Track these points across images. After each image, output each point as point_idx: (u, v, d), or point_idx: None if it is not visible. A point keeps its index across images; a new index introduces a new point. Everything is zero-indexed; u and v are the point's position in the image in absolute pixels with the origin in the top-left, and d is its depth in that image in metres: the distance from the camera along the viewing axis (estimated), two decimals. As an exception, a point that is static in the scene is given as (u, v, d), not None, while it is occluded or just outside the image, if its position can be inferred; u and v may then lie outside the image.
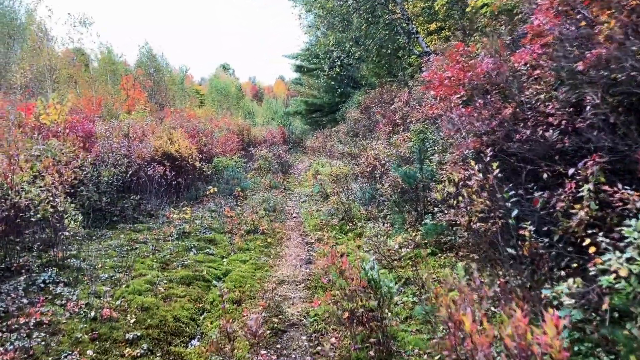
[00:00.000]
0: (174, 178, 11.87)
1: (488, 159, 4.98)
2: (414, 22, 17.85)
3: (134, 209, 10.27)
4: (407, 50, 19.99)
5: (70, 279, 6.38)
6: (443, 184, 5.22)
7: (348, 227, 9.66)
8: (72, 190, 9.25)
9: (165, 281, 6.61)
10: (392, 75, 23.61)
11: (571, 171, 4.74)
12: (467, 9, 11.71)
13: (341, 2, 19.49)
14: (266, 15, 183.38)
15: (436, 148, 9.49)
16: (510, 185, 5.34)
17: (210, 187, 11.37)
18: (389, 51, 21.10)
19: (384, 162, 11.10)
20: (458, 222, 5.63)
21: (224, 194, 13.47)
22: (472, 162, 5.17)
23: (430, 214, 8.52)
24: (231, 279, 6.91)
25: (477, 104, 6.33)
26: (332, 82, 27.76)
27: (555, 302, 4.04)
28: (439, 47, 13.26)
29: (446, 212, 7.74)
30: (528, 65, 6.89)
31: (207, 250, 8.28)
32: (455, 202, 5.18)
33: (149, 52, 36.55)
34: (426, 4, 18.45)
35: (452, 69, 7.19)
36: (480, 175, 5.04)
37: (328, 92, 36.05)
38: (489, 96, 6.49)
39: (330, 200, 11.95)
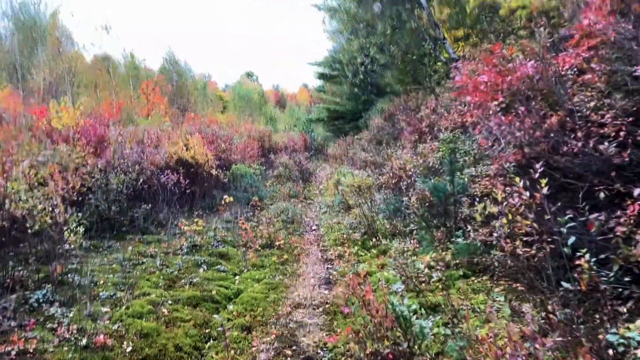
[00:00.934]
0: (188, 186, 11.35)
1: (537, 175, 4.28)
2: (441, 28, 17.16)
3: (144, 218, 9.75)
4: (433, 57, 19.36)
5: (68, 297, 5.86)
6: (484, 203, 4.53)
7: (371, 243, 9.00)
8: (79, 199, 8.81)
9: (170, 302, 6.03)
10: (417, 83, 22.94)
11: (637, 191, 4.04)
12: (501, 12, 11.02)
13: (366, 7, 18.96)
14: (269, 15, 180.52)
15: (467, 159, 8.80)
16: (559, 204, 4.66)
17: (226, 196, 10.81)
18: (414, 57, 20.51)
19: (410, 172, 10.44)
20: (499, 246, 4.92)
21: (241, 203, 12.94)
22: (517, 178, 4.49)
23: (460, 230, 7.83)
24: (242, 300, 6.29)
25: (520, 112, 5.63)
26: (356, 89, 27.23)
27: (621, 349, 3.36)
28: (469, 51, 12.54)
29: (479, 230, 7.05)
30: (575, 68, 6.18)
31: (219, 266, 7.67)
32: (497, 223, 4.49)
33: (172, 58, 36.50)
34: (453, 9, 17.78)
35: (489, 73, 6.52)
36: (527, 193, 4.35)
37: (351, 100, 35.56)
38: (532, 103, 5.80)
39: (351, 212, 11.30)
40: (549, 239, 4.43)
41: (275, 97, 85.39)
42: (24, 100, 21.06)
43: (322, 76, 40.99)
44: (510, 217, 4.45)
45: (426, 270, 7.01)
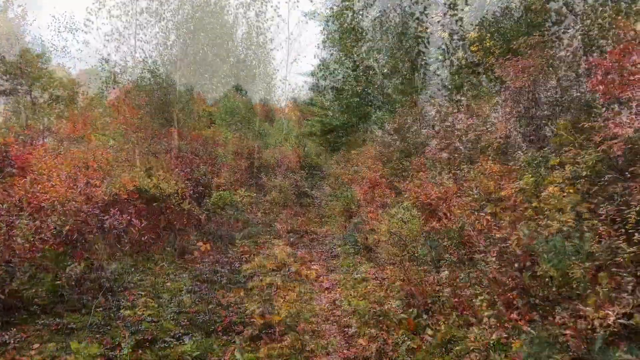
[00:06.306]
0: (145, 229, 7.84)
1: None
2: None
3: (73, 285, 6.37)
4: (448, 63, 16.62)
5: None
6: None
7: (424, 323, 5.77)
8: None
9: None
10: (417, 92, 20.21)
11: None
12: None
13: (370, 8, 16.17)
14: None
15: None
16: None
17: (201, 243, 7.49)
18: (424, 63, 17.80)
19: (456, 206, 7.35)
20: None
21: (223, 247, 9.67)
22: None
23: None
24: None
25: None
26: (357, 99, 24.44)
27: None
28: (523, 45, 9.38)
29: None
30: None
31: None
32: None
33: (152, 67, 33.14)
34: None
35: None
36: None
37: (345, 112, 32.77)
38: None
39: (387, 272, 7.99)
40: None
41: (263, 110, 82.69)
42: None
43: (314, 87, 38.20)
44: None
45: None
